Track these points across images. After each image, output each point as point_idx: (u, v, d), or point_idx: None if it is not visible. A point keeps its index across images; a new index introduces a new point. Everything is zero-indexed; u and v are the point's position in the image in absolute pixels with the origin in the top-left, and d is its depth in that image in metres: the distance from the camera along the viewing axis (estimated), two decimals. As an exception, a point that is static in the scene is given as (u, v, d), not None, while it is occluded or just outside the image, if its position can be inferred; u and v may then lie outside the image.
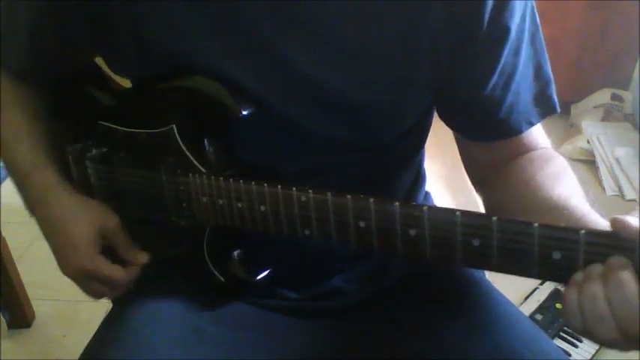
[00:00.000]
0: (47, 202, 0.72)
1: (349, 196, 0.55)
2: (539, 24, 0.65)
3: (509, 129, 0.67)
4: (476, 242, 0.50)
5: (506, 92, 0.64)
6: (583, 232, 0.45)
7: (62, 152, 0.77)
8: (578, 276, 0.46)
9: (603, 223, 0.53)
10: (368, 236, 0.56)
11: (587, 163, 2.33)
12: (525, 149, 0.69)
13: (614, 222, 0.45)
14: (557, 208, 0.58)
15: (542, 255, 0.47)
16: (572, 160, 2.36)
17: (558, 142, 2.43)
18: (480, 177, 0.74)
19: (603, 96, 2.52)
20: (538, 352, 0.65)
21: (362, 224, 0.55)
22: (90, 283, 0.74)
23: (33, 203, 0.74)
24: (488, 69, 0.62)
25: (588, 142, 2.34)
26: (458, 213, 0.50)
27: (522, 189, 0.64)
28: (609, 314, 0.44)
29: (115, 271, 0.72)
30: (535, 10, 0.64)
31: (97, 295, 0.75)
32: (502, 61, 0.62)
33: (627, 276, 0.43)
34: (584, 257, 0.46)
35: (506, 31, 0.60)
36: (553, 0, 2.37)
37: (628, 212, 0.45)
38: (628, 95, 2.52)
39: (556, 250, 0.47)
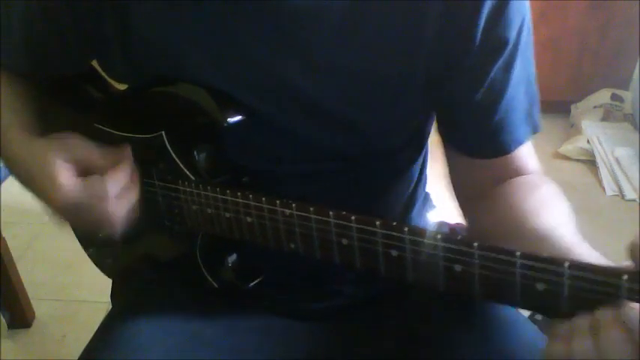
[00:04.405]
0: (11, 147, 0.65)
1: (331, 212, 0.54)
2: (532, 37, 0.63)
3: (497, 148, 0.65)
4: (457, 268, 0.48)
5: (495, 109, 0.63)
6: (567, 263, 0.43)
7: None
8: (564, 329, 0.44)
9: (595, 256, 0.50)
10: (350, 254, 0.55)
11: (587, 163, 2.33)
12: (514, 172, 0.67)
13: (632, 246, 0.42)
14: (540, 239, 0.55)
15: (525, 285, 0.45)
16: (572, 160, 2.36)
17: (558, 142, 2.44)
18: (466, 199, 0.72)
19: (603, 96, 2.52)
20: (538, 354, 0.65)
21: (344, 241, 0.54)
22: (87, 208, 0.61)
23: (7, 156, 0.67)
24: (478, 81, 0.61)
25: (588, 142, 2.35)
26: (439, 236, 0.48)
27: (507, 217, 0.62)
28: None
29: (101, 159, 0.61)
30: (530, 23, 0.62)
31: (107, 218, 0.62)
32: (492, 75, 0.60)
33: (617, 334, 0.41)
34: (569, 290, 0.43)
35: (504, 42, 0.59)
36: (553, 0, 2.37)
37: (628, 212, 0.44)
38: (628, 95, 2.53)
39: (540, 281, 0.44)
